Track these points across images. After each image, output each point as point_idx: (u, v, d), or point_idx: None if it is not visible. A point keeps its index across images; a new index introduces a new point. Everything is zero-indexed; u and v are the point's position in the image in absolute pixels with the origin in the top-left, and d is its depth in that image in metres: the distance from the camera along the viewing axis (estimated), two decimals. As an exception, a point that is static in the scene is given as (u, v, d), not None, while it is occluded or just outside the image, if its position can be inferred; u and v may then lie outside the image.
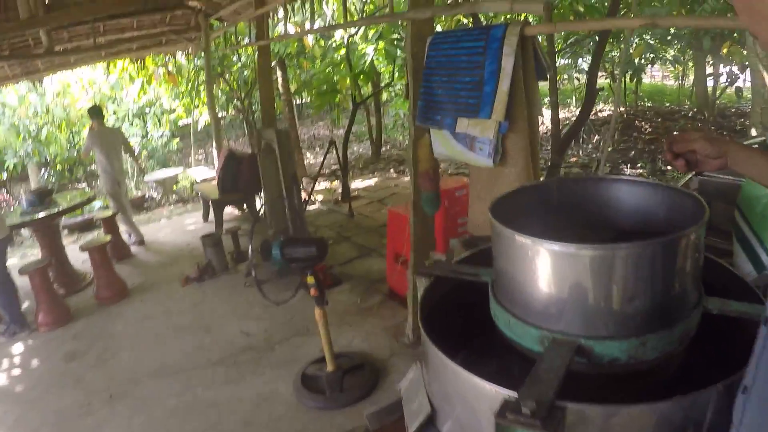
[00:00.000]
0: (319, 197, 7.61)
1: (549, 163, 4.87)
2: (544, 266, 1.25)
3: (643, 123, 9.10)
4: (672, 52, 7.45)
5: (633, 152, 8.15)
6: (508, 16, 4.84)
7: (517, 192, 1.60)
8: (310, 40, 7.12)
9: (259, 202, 6.54)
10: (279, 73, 8.30)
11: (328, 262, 4.70)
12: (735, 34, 5.65)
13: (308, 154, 11.13)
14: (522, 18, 4.30)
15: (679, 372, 1.39)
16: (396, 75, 7.37)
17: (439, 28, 5.57)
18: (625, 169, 7.54)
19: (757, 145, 2.40)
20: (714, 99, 7.06)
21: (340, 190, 7.25)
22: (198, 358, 3.73)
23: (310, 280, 2.73)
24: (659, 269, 1.22)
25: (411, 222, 3.05)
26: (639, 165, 7.66)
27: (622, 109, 9.76)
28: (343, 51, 7.41)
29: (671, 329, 1.24)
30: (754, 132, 3.79)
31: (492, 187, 2.62)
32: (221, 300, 4.61)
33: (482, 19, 4.64)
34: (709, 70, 8.29)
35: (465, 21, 5.43)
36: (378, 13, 6.09)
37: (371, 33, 6.45)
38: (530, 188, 1.66)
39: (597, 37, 4.05)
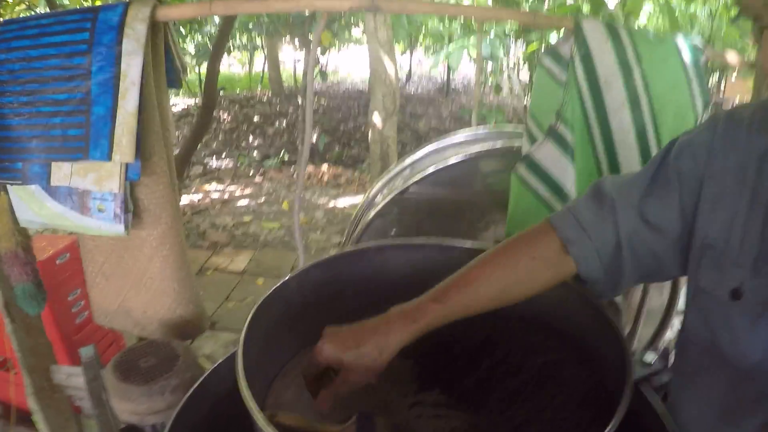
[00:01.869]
0: None
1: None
2: None
3: (221, 113, 8.79)
4: (243, 40, 7.20)
5: (215, 143, 7.76)
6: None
7: (255, 319, 0.95)
8: None
9: None
10: None
11: None
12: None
13: None
14: None
15: None
16: None
17: None
18: (212, 162, 7.07)
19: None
20: (310, 81, 7.17)
21: None
22: None
23: None
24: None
25: (9, 332, 1.95)
26: (225, 156, 7.28)
27: (195, 101, 9.29)
28: None
29: None
30: (376, 116, 3.65)
31: (122, 259, 1.74)
32: None
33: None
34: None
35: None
36: None
37: None
38: (269, 302, 1.01)
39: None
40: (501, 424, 0.90)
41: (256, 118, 8.69)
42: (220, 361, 1.21)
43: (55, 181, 1.51)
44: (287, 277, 1.05)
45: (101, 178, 1.48)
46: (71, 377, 1.90)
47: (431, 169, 1.88)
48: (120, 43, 1.40)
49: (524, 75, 9.13)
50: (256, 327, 0.93)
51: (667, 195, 0.86)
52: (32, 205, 1.60)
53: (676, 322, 2.49)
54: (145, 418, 1.26)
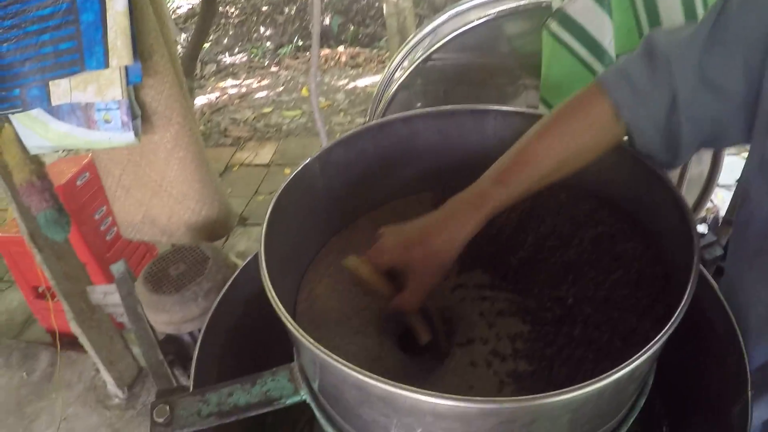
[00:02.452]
0: None
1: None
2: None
3: (228, 7, 8.43)
4: None
5: (226, 39, 7.49)
6: None
7: (276, 210, 0.89)
8: None
9: None
10: None
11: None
12: None
13: None
14: None
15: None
16: None
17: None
18: (225, 58, 6.87)
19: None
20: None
21: None
22: None
23: None
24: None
25: (39, 261, 1.96)
26: (238, 51, 7.06)
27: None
28: None
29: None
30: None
31: (138, 168, 1.69)
32: None
33: None
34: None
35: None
36: None
37: None
38: (290, 189, 0.95)
39: None
40: (551, 305, 0.84)
41: (264, 8, 8.33)
42: (248, 259, 1.16)
43: (55, 100, 1.44)
44: (308, 160, 0.96)
45: (102, 88, 1.40)
46: (108, 295, 1.91)
47: (453, 34, 1.74)
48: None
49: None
50: (279, 218, 0.87)
51: (729, 52, 0.73)
52: (37, 130, 1.54)
53: (717, 192, 2.40)
54: (181, 326, 1.24)
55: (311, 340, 0.64)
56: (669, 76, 0.76)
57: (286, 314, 0.69)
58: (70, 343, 2.73)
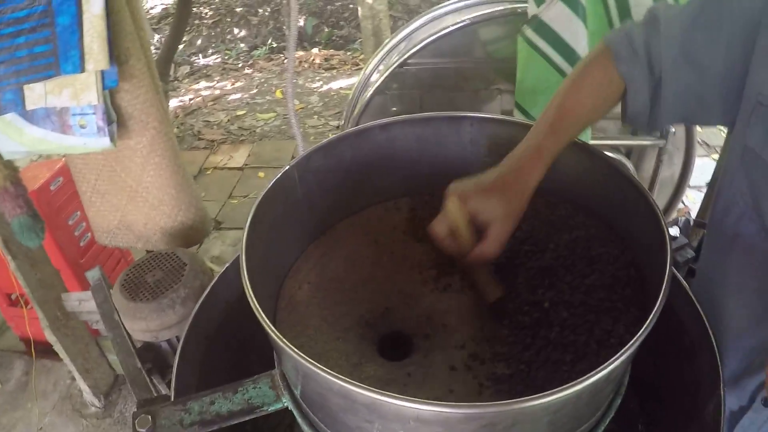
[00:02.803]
0: None
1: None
2: None
3: (201, 8, 8.35)
4: None
5: (200, 40, 7.42)
6: None
7: (257, 217, 0.88)
8: None
9: None
10: None
11: None
12: None
13: None
14: None
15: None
16: None
17: None
18: (199, 60, 6.82)
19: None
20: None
21: None
22: None
23: None
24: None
25: (13, 269, 1.92)
26: (212, 52, 7.01)
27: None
28: None
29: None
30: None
31: (114, 173, 1.68)
32: None
33: None
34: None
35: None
36: None
37: None
38: (270, 196, 0.93)
39: None
40: (528, 309, 0.85)
41: (238, 9, 8.28)
42: (226, 265, 1.16)
43: (30, 105, 1.42)
44: (287, 167, 0.97)
45: (78, 92, 1.38)
46: (83, 302, 1.88)
47: (429, 39, 1.76)
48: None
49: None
50: (259, 226, 0.87)
51: (713, 31, 0.77)
52: (12, 135, 1.51)
53: (688, 193, 2.46)
54: (158, 334, 1.23)
55: (295, 349, 0.64)
56: (658, 41, 0.81)
57: (269, 323, 0.69)
58: (44, 351, 2.67)
